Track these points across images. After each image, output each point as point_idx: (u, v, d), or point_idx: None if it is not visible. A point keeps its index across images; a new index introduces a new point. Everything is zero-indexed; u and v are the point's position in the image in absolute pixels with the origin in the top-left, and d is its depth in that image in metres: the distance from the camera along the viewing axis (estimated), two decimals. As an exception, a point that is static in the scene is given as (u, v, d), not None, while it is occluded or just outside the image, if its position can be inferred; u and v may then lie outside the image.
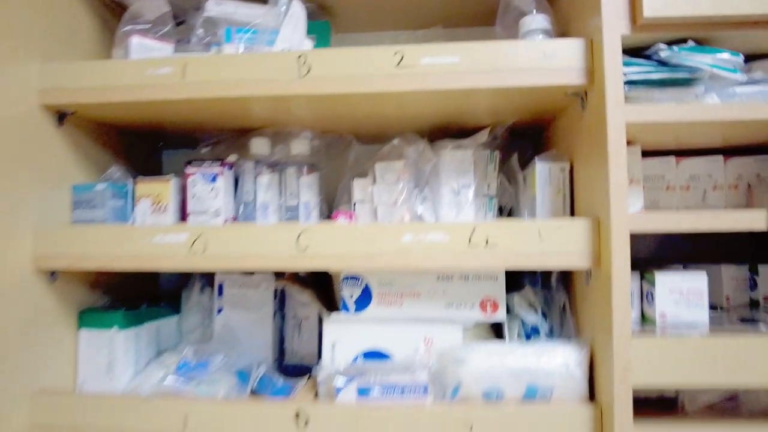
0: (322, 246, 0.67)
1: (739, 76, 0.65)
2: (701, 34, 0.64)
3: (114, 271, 0.71)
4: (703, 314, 0.67)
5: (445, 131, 0.89)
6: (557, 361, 0.65)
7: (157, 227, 0.71)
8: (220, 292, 0.88)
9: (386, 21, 0.95)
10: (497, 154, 0.82)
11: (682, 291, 0.68)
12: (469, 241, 0.65)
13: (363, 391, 0.67)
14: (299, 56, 0.68)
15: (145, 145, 0.98)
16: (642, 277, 0.72)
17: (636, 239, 0.63)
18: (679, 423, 0.68)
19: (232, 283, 0.88)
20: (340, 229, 0.68)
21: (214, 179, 0.78)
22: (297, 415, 0.66)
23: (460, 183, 0.79)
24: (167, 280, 1.04)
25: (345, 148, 0.89)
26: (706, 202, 0.81)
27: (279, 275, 0.87)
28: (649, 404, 0.73)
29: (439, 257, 0.66)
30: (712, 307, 0.79)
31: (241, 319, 0.87)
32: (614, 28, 0.62)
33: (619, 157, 0.62)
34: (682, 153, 0.82)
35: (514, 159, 0.83)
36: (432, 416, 0.65)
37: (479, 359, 0.66)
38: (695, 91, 0.65)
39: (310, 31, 0.81)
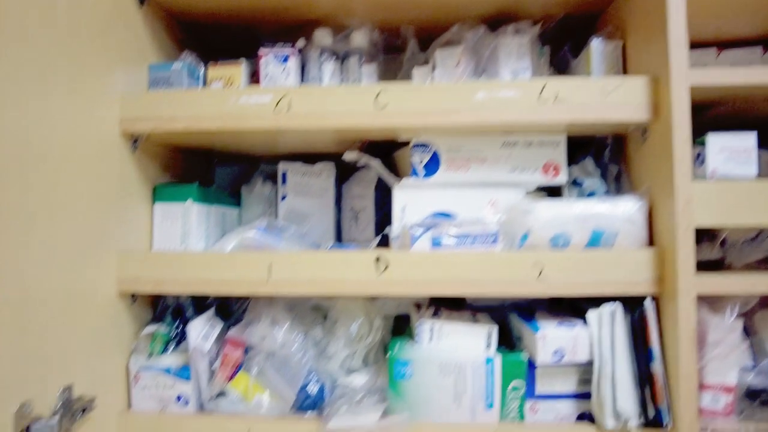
0: (400, 103, 0.72)
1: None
2: None
3: (200, 132, 0.74)
4: (752, 170, 0.72)
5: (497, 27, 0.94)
6: (619, 209, 0.70)
7: (240, 90, 0.75)
8: (284, 181, 0.92)
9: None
10: (547, 49, 0.87)
11: (732, 149, 0.73)
12: (540, 96, 0.71)
13: (436, 242, 0.72)
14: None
15: (204, 48, 1.02)
16: (693, 144, 0.77)
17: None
18: (729, 273, 0.73)
19: (294, 172, 0.92)
20: (417, 89, 0.72)
21: (285, 60, 0.82)
22: (377, 260, 0.70)
23: (519, 66, 0.84)
24: (223, 177, 1.08)
25: (402, 46, 0.94)
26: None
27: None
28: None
29: (511, 112, 0.71)
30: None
31: (304, 205, 0.92)
32: None
33: (678, 16, 0.67)
34: (722, 46, 0.88)
35: (566, 50, 0.88)
36: (503, 261, 0.70)
37: (546, 208, 0.71)
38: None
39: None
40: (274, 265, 0.72)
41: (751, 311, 0.77)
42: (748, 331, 0.77)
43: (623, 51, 0.80)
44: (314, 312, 0.82)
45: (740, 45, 0.88)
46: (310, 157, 0.96)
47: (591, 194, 0.78)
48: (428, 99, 0.72)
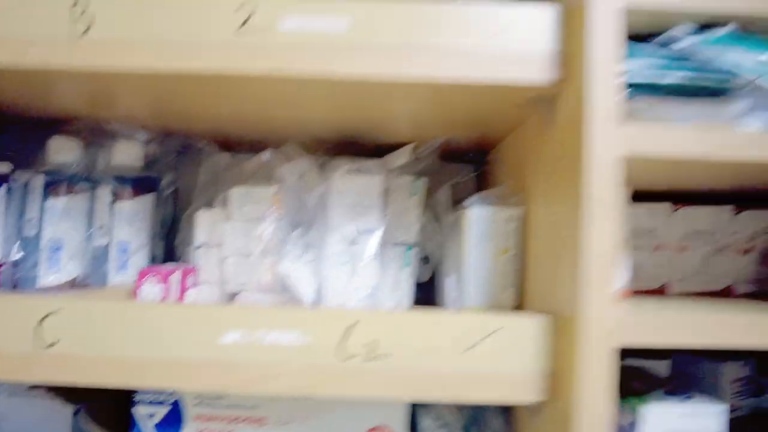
0: (75, 341, 0.37)
1: (799, 90, 0.40)
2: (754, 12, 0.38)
3: None
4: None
5: (353, 147, 0.62)
6: None
7: None
8: None
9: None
10: (423, 182, 0.55)
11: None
12: (342, 346, 0.37)
13: None
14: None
15: None
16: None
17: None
18: None
19: None
20: (110, 311, 0.38)
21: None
22: None
23: (359, 225, 0.51)
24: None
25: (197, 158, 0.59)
26: (709, 270, 0.57)
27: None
28: None
29: (285, 376, 0.37)
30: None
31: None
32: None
33: (601, 212, 0.35)
34: (676, 199, 0.58)
35: (445, 192, 0.56)
36: None
37: None
38: (727, 108, 0.39)
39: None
40: None
41: None
42: None
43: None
44: None
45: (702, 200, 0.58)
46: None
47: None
48: (125, 337, 0.37)
